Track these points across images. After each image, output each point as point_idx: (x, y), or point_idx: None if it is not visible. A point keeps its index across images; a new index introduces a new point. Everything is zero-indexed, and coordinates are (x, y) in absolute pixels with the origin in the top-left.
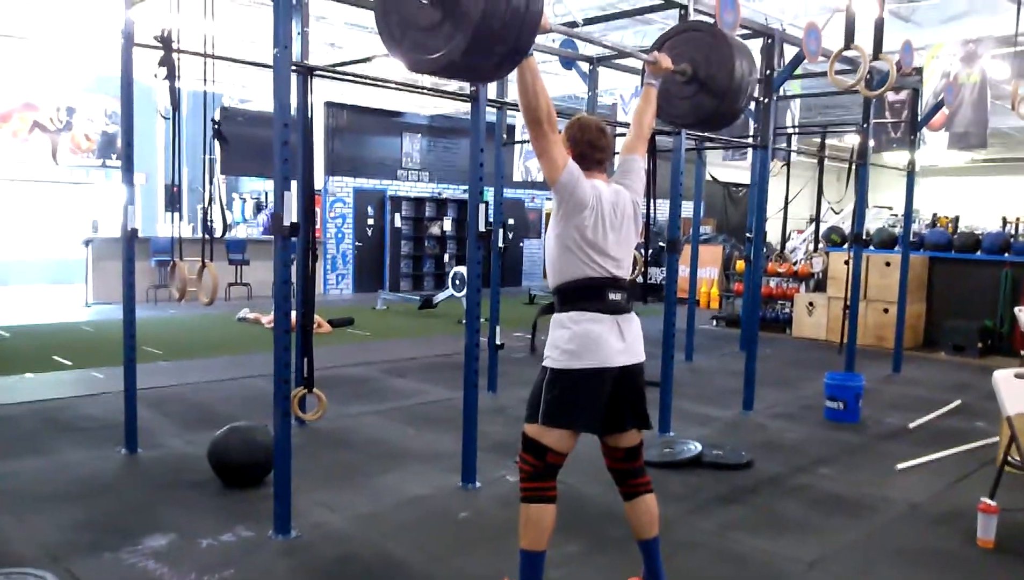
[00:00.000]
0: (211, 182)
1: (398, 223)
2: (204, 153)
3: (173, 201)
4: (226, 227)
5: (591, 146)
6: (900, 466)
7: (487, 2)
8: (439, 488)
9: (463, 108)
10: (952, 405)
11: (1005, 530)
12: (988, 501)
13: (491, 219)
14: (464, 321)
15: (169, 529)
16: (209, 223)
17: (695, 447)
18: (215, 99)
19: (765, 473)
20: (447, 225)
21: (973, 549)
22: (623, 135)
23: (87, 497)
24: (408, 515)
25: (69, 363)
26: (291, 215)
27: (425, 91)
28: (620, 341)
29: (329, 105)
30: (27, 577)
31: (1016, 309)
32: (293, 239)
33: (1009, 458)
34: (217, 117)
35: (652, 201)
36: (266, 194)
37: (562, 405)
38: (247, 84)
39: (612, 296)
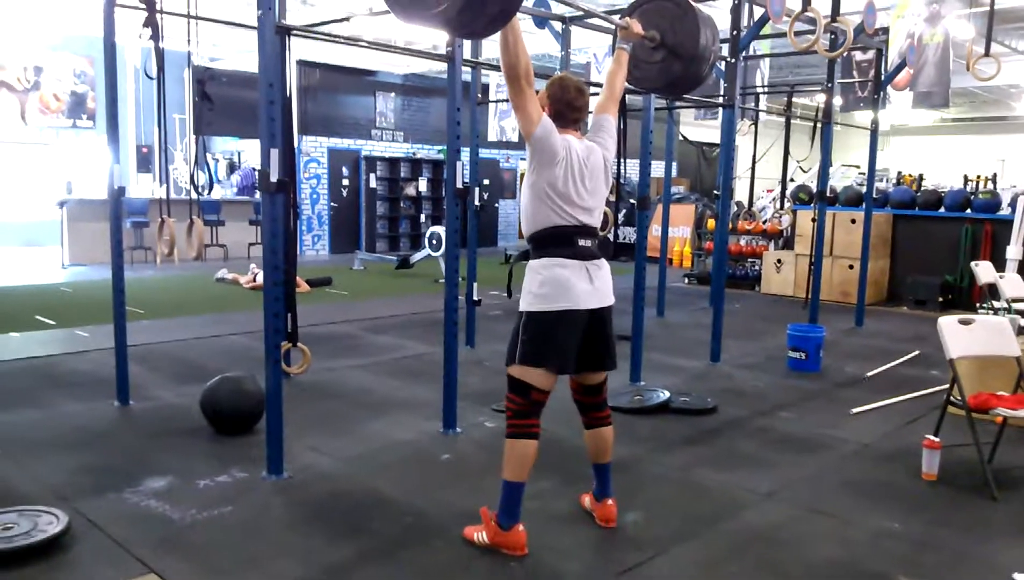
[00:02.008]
0: (197, 142)
1: (373, 183)
2: (188, 114)
3: (147, 161)
4: (211, 186)
5: (569, 106)
6: (855, 410)
7: None
8: (422, 434)
9: (436, 67)
10: (910, 355)
11: (947, 465)
12: (932, 438)
13: (467, 179)
14: (440, 280)
15: (167, 472)
16: (195, 182)
17: (664, 394)
18: (187, 59)
19: (728, 417)
20: (422, 185)
21: (917, 482)
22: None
23: (86, 444)
24: (393, 457)
25: (52, 322)
26: (276, 172)
27: (400, 51)
28: (589, 284)
29: (302, 64)
30: (39, 515)
31: (973, 264)
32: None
33: (952, 398)
34: (187, 77)
35: (623, 160)
36: (239, 154)
37: (536, 346)
38: (218, 43)
39: (582, 242)
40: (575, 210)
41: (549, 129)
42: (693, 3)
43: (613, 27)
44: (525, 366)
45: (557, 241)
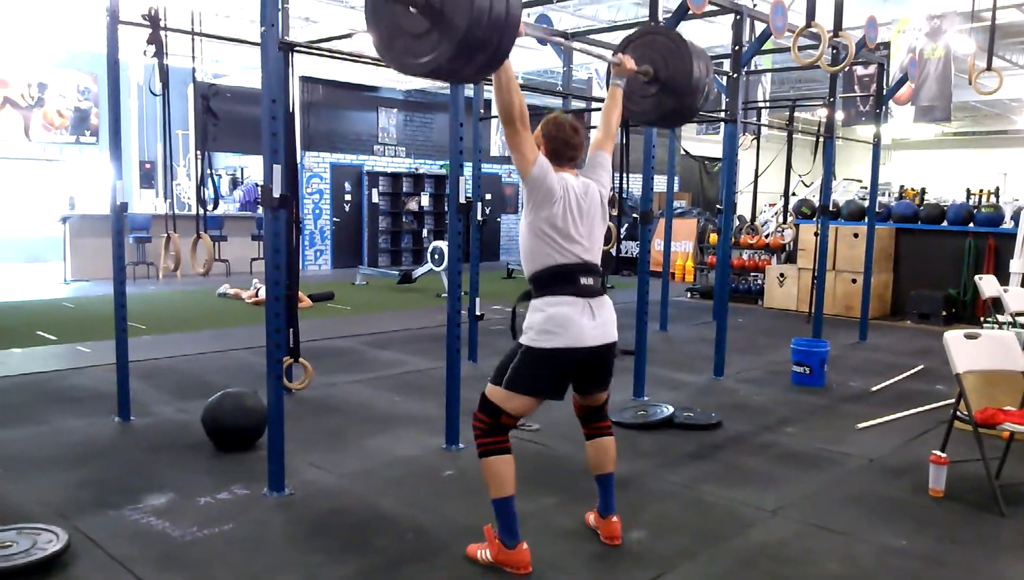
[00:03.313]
0: (203, 158)
1: (375, 198)
2: (197, 130)
3: (150, 177)
4: (216, 201)
5: (565, 144)
6: (860, 425)
7: (472, 13)
8: (424, 449)
9: (439, 83)
10: (914, 370)
11: (954, 480)
12: (939, 453)
13: (469, 193)
14: (442, 295)
15: (168, 489)
16: (202, 197)
17: (667, 409)
18: (190, 75)
19: (733, 432)
20: (424, 200)
21: (924, 498)
22: (598, 110)
23: (86, 461)
24: (396, 473)
25: (54, 338)
26: (279, 188)
27: None
28: (591, 321)
29: (304, 80)
30: (39, 533)
31: (977, 278)
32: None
33: (958, 413)
34: (191, 94)
35: (626, 174)
36: (242, 170)
37: (530, 376)
38: (221, 59)
39: (584, 280)
40: (575, 247)
41: (546, 169)
42: (686, 38)
43: (609, 60)
44: (511, 392)
45: (559, 279)
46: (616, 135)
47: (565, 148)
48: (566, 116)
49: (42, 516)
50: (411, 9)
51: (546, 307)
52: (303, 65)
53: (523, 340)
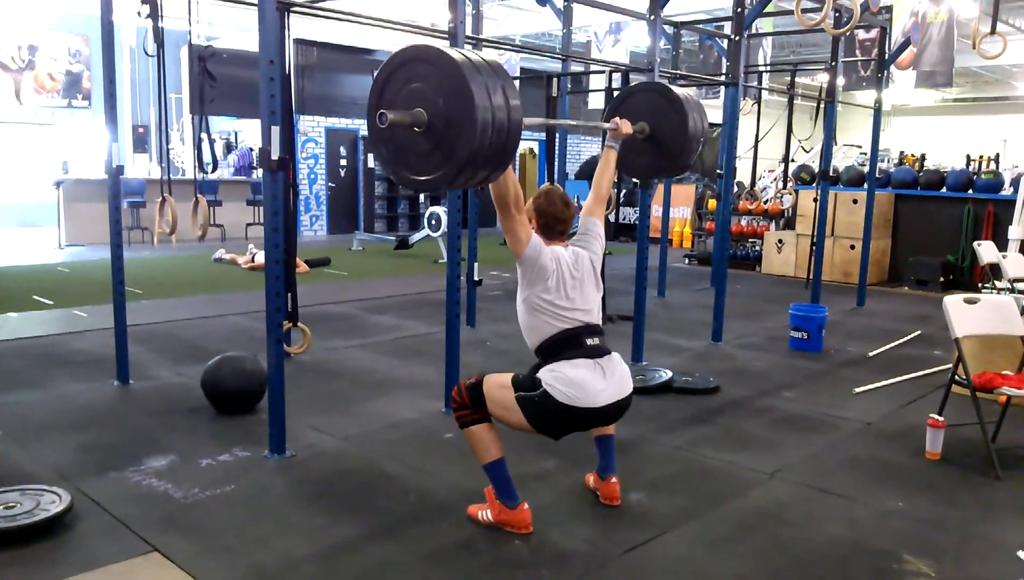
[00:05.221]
0: (200, 120)
1: (371, 163)
2: (193, 93)
3: (143, 141)
4: (215, 164)
5: (555, 219)
6: (857, 390)
7: (474, 144)
8: (424, 413)
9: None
10: (911, 335)
11: (951, 444)
12: (936, 417)
13: None
14: (439, 261)
15: (169, 451)
16: (200, 160)
17: (666, 374)
18: (183, 38)
19: (731, 397)
20: None
21: (921, 461)
22: (601, 72)
23: (86, 424)
24: (396, 436)
25: (50, 302)
26: (277, 150)
27: (402, 28)
28: (603, 381)
29: (298, 42)
30: (42, 494)
31: (976, 244)
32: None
33: (956, 377)
34: (184, 57)
35: None
36: (235, 134)
37: (539, 414)
38: (215, 22)
39: (590, 341)
40: (575, 313)
41: (539, 248)
42: (680, 92)
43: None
44: (516, 409)
45: (565, 345)
46: (607, 199)
47: (556, 223)
48: (557, 189)
49: (44, 478)
50: (416, 128)
51: (558, 370)
52: (298, 27)
53: (543, 377)
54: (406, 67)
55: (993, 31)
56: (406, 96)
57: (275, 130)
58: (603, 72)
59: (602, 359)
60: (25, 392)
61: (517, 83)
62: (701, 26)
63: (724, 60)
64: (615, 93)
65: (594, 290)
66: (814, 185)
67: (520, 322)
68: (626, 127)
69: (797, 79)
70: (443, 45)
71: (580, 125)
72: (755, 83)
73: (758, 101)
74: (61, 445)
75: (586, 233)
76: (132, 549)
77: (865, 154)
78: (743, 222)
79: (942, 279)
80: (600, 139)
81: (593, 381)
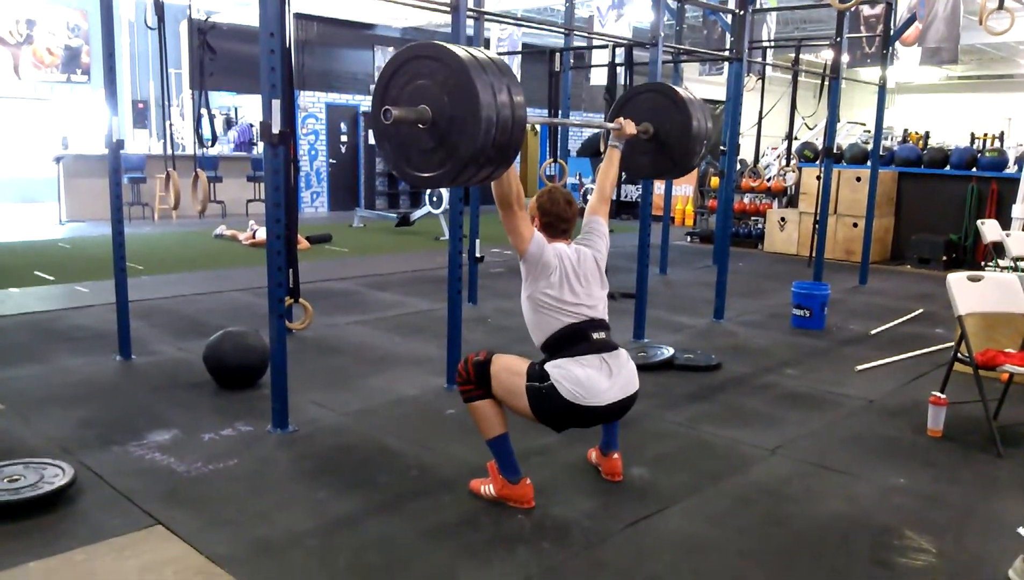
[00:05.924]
0: (201, 95)
1: (372, 140)
2: (193, 67)
3: (143, 117)
4: (214, 139)
5: (558, 217)
6: (859, 367)
7: (478, 142)
8: (426, 389)
9: (436, 20)
10: (914, 313)
11: (952, 421)
12: (938, 394)
13: None
14: (441, 238)
15: (171, 425)
16: (200, 135)
17: (667, 351)
18: (182, 12)
19: (733, 374)
20: None
21: (923, 438)
22: (604, 46)
23: (89, 398)
24: (398, 411)
25: (52, 278)
26: (278, 124)
27: (403, 2)
28: (608, 380)
29: (298, 17)
30: (45, 467)
31: (979, 222)
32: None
33: (959, 355)
34: (184, 31)
35: None
36: (235, 110)
37: (545, 407)
38: None
39: (596, 335)
40: (580, 308)
41: (542, 245)
42: (683, 93)
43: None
44: (522, 398)
45: (571, 340)
46: (611, 198)
47: (559, 221)
48: (560, 188)
49: (47, 451)
50: (420, 125)
51: (563, 366)
52: (298, 2)
53: (550, 370)
54: (411, 64)
55: (1001, 6)
56: (411, 93)
57: (276, 103)
58: (606, 47)
59: (608, 355)
60: (27, 367)
61: (519, 58)
62: (705, 0)
63: (728, 35)
64: (617, 68)
65: (599, 287)
66: (817, 163)
67: (526, 320)
68: (630, 127)
69: (801, 55)
70: (446, 43)
71: (583, 125)
72: (759, 59)
73: (762, 77)
74: (64, 419)
75: (590, 232)
76: (135, 522)
77: (868, 132)
78: (746, 200)
79: (945, 258)
80: (603, 122)
81: (599, 380)
